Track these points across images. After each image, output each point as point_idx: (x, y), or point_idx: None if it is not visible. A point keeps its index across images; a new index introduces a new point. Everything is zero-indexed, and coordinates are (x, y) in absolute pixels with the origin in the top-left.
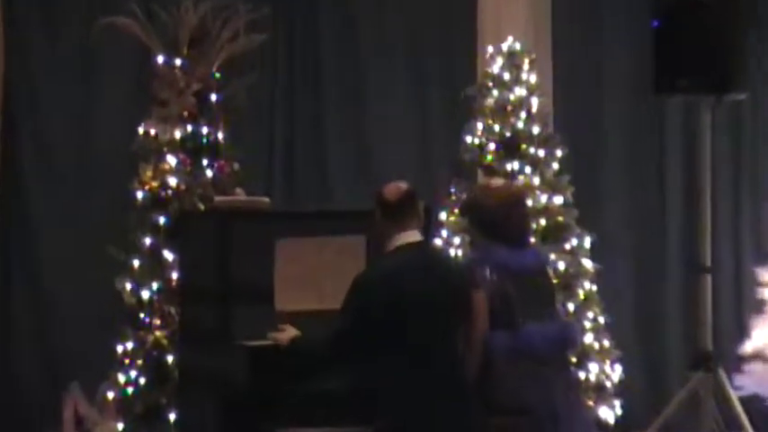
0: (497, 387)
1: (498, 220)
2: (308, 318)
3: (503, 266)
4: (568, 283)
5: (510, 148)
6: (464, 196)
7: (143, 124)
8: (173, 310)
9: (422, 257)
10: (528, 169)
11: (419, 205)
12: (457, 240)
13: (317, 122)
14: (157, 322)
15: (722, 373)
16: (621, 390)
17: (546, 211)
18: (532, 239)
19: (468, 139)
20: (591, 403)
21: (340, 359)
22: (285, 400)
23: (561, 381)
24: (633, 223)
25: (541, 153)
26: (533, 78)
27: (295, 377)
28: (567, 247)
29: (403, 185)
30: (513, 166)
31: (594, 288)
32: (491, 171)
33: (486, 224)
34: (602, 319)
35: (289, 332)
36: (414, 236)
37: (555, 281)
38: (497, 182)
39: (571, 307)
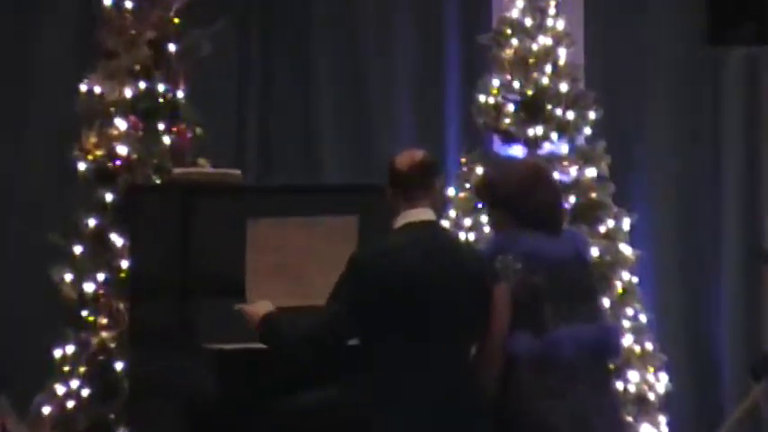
0: (517, 405)
1: (521, 200)
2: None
3: (530, 255)
4: (603, 273)
5: (532, 109)
6: (476, 171)
7: (86, 81)
8: (122, 307)
9: (431, 238)
10: (554, 135)
11: (436, 179)
12: (468, 222)
13: (300, 76)
14: (104, 321)
15: None
16: (668, 402)
17: (576, 186)
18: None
19: (482, 98)
20: (630, 419)
21: (325, 347)
22: (261, 415)
23: (599, 400)
24: (681, 200)
25: (571, 115)
26: (560, 25)
27: (273, 379)
28: (602, 229)
29: (418, 154)
30: (537, 131)
31: (635, 279)
32: (509, 137)
33: (507, 206)
34: (643, 318)
35: (262, 306)
36: (425, 214)
37: None
38: (515, 156)
39: (607, 302)
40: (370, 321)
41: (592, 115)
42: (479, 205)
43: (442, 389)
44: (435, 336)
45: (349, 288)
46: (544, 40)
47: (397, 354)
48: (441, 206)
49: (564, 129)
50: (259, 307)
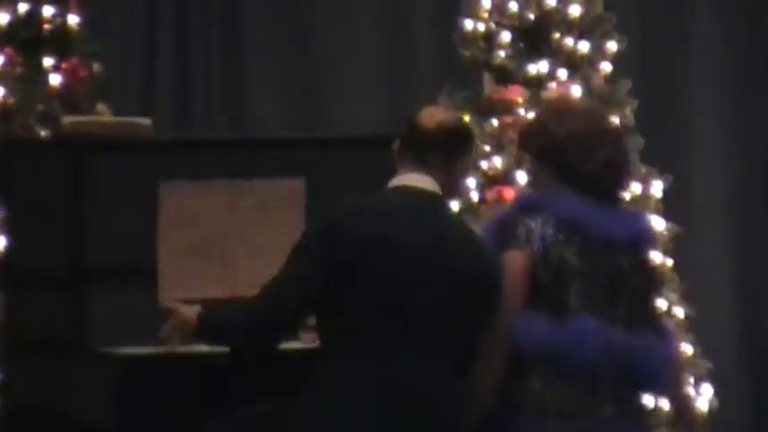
0: (519, 419)
1: (572, 154)
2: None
3: (567, 221)
4: None
5: (534, 38)
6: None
7: None
8: None
9: (423, 208)
10: (563, 73)
11: (464, 154)
12: None
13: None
14: None
15: None
16: (713, 423)
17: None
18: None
19: (469, 24)
20: None
21: (268, 321)
22: None
23: (626, 429)
24: (731, 158)
25: (585, 47)
26: None
27: (193, 394)
28: (627, 195)
29: (452, 115)
30: (540, 67)
31: (670, 262)
32: (504, 75)
33: (553, 160)
34: (680, 312)
35: (184, 311)
36: (425, 182)
37: None
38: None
39: None
40: (326, 305)
41: (613, 46)
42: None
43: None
44: (416, 318)
45: (304, 256)
46: None
47: (357, 355)
48: (458, 189)
49: (576, 64)
50: (188, 309)
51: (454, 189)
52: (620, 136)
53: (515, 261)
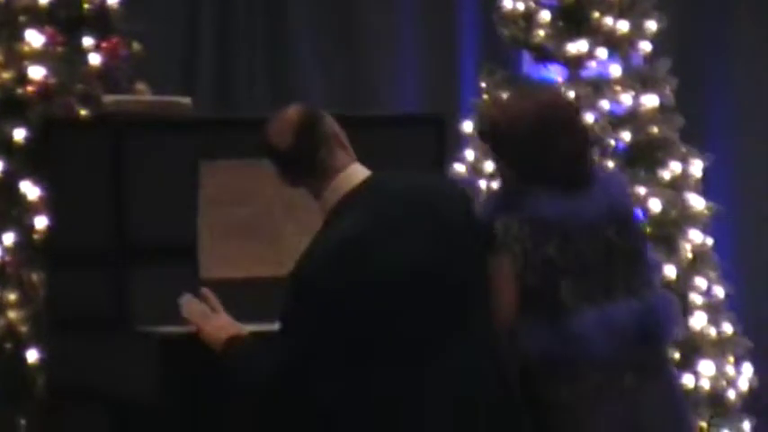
0: (545, 417)
1: (530, 152)
2: (257, 292)
3: (540, 220)
4: (668, 233)
5: (574, 17)
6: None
7: None
8: (36, 279)
9: (390, 200)
10: (602, 52)
11: (329, 126)
12: (489, 166)
13: None
14: (11, 298)
15: None
16: (753, 402)
17: (632, 119)
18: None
19: (508, 3)
20: (703, 425)
21: (289, 398)
22: (215, 422)
23: (653, 390)
24: None
25: (625, 26)
26: None
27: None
28: (666, 175)
29: (291, 114)
30: (579, 46)
31: (710, 241)
32: (543, 54)
33: (512, 157)
34: (720, 291)
35: (221, 321)
36: (357, 172)
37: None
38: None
39: (672, 271)
40: (343, 349)
41: (652, 25)
42: None
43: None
44: (446, 336)
45: (303, 314)
46: None
47: (391, 385)
48: (347, 145)
49: (615, 43)
50: (223, 323)
51: (351, 152)
52: (577, 124)
53: (500, 268)
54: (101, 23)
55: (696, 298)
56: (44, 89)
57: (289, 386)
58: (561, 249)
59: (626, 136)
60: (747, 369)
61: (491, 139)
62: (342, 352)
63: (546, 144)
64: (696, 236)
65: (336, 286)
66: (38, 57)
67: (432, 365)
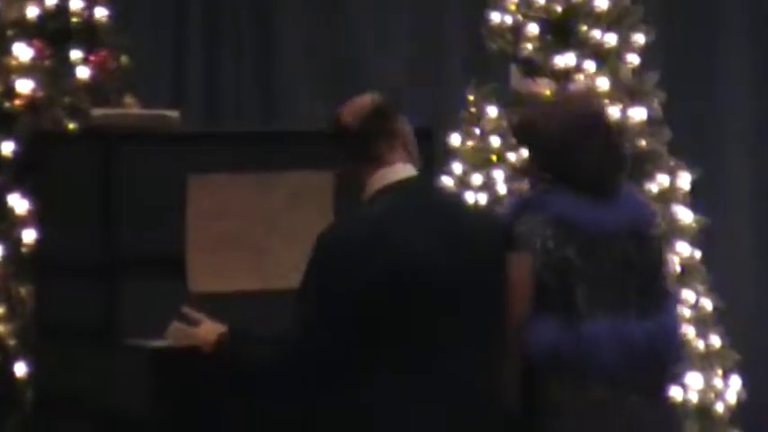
0: (547, 423)
1: (563, 153)
2: (242, 305)
3: (565, 220)
4: None
5: (562, 30)
6: (488, 112)
7: None
8: (24, 292)
9: (423, 200)
10: (590, 65)
11: (401, 125)
12: (477, 179)
13: None
14: (0, 310)
15: None
16: (741, 415)
17: (620, 131)
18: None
19: (496, 16)
20: None
21: (302, 376)
22: None
23: (656, 414)
24: (757, 151)
25: (613, 39)
26: None
27: (225, 388)
28: (654, 188)
29: (368, 99)
30: (568, 60)
31: (698, 254)
32: (532, 67)
33: (546, 156)
34: (708, 304)
35: (206, 327)
36: (404, 170)
37: None
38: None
39: None
40: (360, 332)
41: (640, 39)
42: (491, 157)
43: (460, 414)
44: (453, 343)
45: (322, 289)
46: None
47: (396, 372)
48: (414, 149)
49: (603, 56)
50: (204, 330)
51: (414, 153)
52: (612, 133)
53: (520, 265)
54: (89, 37)
55: (685, 311)
56: (32, 102)
57: (301, 360)
58: (581, 253)
59: None
60: (735, 382)
61: (524, 140)
62: (350, 325)
63: (574, 149)
64: (684, 249)
65: (357, 268)
66: (26, 70)
67: (430, 366)
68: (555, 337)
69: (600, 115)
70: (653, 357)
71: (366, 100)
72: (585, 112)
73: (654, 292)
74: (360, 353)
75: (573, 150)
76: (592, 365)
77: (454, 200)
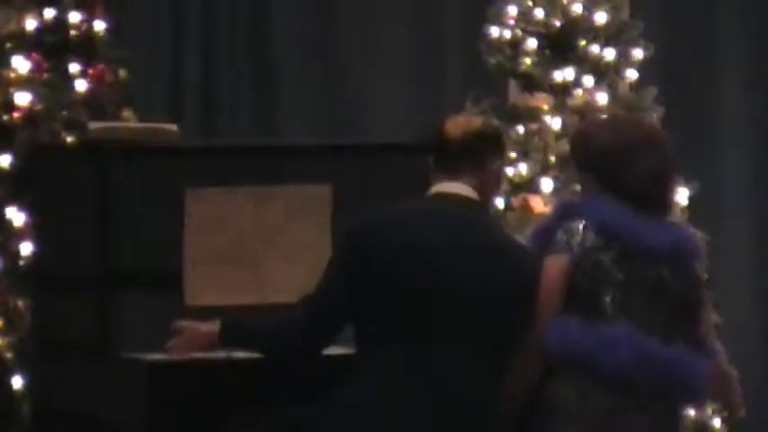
0: (548, 428)
1: (613, 164)
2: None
3: (607, 229)
4: None
5: (560, 45)
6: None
7: None
8: (22, 304)
9: (461, 213)
10: (589, 80)
11: (493, 157)
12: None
13: (255, 4)
14: None
15: None
16: (739, 429)
17: None
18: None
19: (495, 31)
20: None
21: (310, 348)
22: None
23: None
24: (755, 166)
25: (611, 54)
26: None
27: (223, 401)
28: None
29: (476, 121)
30: (566, 74)
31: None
32: (530, 82)
33: (595, 169)
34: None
35: (203, 329)
36: (461, 188)
37: None
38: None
39: None
40: (360, 313)
41: (638, 53)
42: None
43: (442, 413)
44: (447, 340)
45: (337, 268)
46: None
47: (391, 360)
48: (493, 189)
49: (601, 71)
50: (201, 328)
51: (489, 193)
52: (666, 146)
53: (554, 265)
54: (87, 50)
55: None
56: (30, 115)
57: (316, 330)
58: (616, 262)
59: None
60: None
61: (573, 150)
62: (357, 309)
63: (629, 158)
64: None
65: (368, 248)
66: (24, 83)
67: (417, 364)
68: (575, 334)
69: (658, 131)
70: (666, 381)
71: (473, 122)
72: (644, 125)
73: (683, 322)
74: (356, 317)
75: (629, 160)
76: (605, 367)
77: (492, 225)
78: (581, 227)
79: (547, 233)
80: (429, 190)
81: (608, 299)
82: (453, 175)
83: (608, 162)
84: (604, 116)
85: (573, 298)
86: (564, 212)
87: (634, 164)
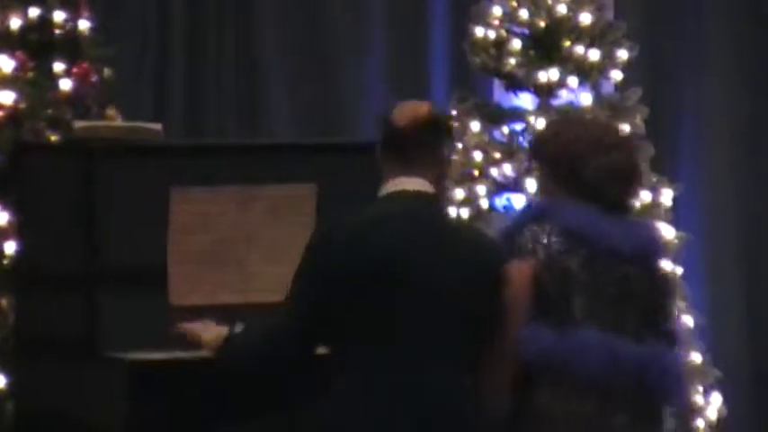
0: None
1: (572, 162)
2: (224, 318)
3: (572, 232)
4: None
5: (545, 46)
6: (470, 126)
7: None
8: (5, 303)
9: (423, 215)
10: (573, 80)
11: (444, 144)
12: (459, 194)
13: (240, 2)
14: None
15: None
16: (722, 430)
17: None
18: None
19: (479, 31)
20: None
21: (287, 350)
22: None
23: None
24: (741, 168)
25: (596, 55)
26: None
27: (207, 401)
28: (637, 205)
29: (424, 107)
30: (550, 74)
31: (679, 270)
32: (514, 82)
33: (554, 167)
34: (690, 321)
35: (211, 330)
36: (420, 184)
37: None
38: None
39: None
40: (334, 322)
41: (623, 54)
42: (474, 172)
43: (415, 415)
44: (416, 343)
45: (306, 278)
46: None
47: (365, 366)
48: (446, 180)
49: (586, 72)
50: (211, 333)
51: (444, 185)
52: (631, 145)
53: (520, 271)
54: (71, 49)
55: None
56: (14, 114)
57: (292, 344)
58: (583, 266)
59: None
60: (716, 399)
61: (537, 148)
62: (331, 318)
63: (590, 156)
64: (666, 265)
65: (337, 257)
66: (8, 81)
67: (390, 366)
68: (547, 342)
69: (622, 132)
70: (642, 382)
71: (421, 109)
72: (607, 125)
73: (653, 321)
74: (331, 334)
75: (585, 158)
76: (579, 373)
77: (451, 220)
78: (547, 231)
79: (512, 236)
80: (384, 185)
81: (577, 304)
82: (408, 169)
83: (568, 160)
84: (566, 115)
85: (542, 303)
86: (530, 215)
87: (589, 161)
